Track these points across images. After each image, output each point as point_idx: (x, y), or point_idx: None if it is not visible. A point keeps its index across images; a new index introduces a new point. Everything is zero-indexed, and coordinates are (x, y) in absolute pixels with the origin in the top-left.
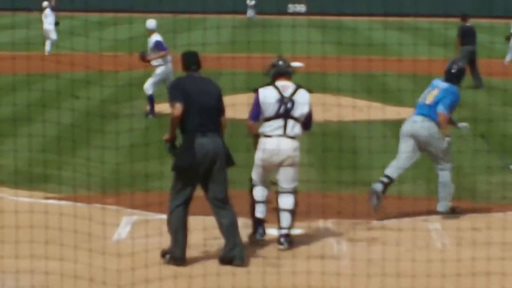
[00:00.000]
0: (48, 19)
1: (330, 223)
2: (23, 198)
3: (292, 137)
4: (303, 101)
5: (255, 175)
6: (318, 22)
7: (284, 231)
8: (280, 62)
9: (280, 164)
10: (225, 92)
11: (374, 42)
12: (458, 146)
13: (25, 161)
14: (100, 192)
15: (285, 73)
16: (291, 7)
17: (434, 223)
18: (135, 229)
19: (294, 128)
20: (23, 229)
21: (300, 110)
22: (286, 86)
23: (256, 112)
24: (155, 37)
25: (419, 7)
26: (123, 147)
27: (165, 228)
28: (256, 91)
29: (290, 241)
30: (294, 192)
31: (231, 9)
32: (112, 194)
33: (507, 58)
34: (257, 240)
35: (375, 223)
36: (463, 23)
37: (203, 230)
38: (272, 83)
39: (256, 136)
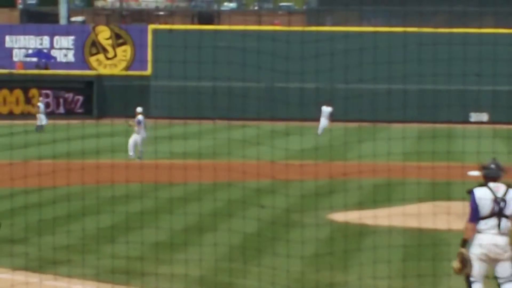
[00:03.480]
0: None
1: None
2: None
3: (505, 234)
4: None
5: (472, 271)
6: (503, 131)
7: None
8: (492, 166)
9: (496, 259)
10: (410, 201)
11: None
12: None
13: (210, 270)
14: None
15: (497, 176)
16: (473, 116)
17: None
18: None
19: (506, 225)
20: None
21: (510, 208)
22: (498, 186)
23: (476, 213)
24: None
25: None
26: (307, 256)
27: None
28: (470, 192)
29: None
30: None
31: (415, 118)
32: None
33: None
34: None
35: None
36: None
37: None
38: (484, 184)
39: (466, 240)
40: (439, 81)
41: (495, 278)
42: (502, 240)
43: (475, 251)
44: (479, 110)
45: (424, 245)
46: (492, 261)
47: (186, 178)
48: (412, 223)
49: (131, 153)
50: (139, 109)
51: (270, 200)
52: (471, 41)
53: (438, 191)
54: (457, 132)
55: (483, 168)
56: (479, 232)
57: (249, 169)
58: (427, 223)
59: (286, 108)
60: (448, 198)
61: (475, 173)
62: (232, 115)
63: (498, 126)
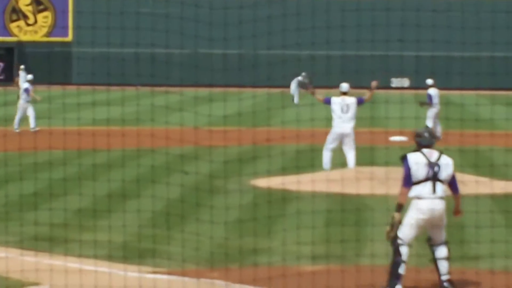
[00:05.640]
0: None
1: None
2: (131, 273)
3: (442, 198)
4: (447, 164)
5: (404, 234)
6: (424, 97)
7: (446, 277)
8: (426, 134)
9: (433, 223)
10: (333, 166)
11: (481, 117)
12: None
13: (133, 236)
14: (208, 266)
15: (430, 144)
16: (395, 81)
17: None
18: None
19: (442, 189)
20: None
21: (446, 172)
22: (431, 152)
23: (409, 178)
24: None
25: None
26: (231, 222)
27: None
28: (404, 157)
29: (453, 284)
30: (446, 242)
31: (338, 84)
32: (220, 269)
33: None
34: None
35: None
36: None
37: None
38: (418, 150)
39: (401, 205)
40: (362, 47)
41: (428, 240)
42: (440, 204)
43: (413, 215)
44: (400, 75)
45: (347, 211)
46: (429, 225)
47: (110, 145)
48: (335, 188)
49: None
50: (29, 77)
51: (194, 166)
52: (394, 6)
53: (361, 157)
54: (380, 97)
55: (416, 135)
56: (417, 197)
57: (173, 135)
58: (350, 189)
59: (209, 74)
60: (371, 163)
61: (397, 138)
62: (155, 81)
63: (420, 92)
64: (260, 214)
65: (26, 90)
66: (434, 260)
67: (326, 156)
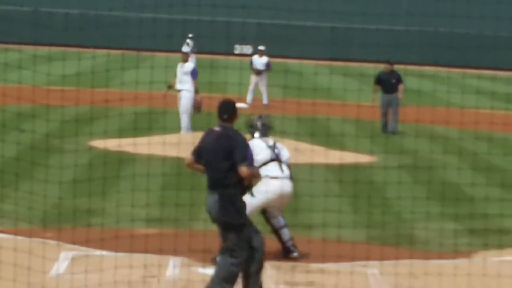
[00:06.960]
0: None
1: (269, 266)
2: None
3: (290, 178)
4: (284, 148)
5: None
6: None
7: (291, 242)
8: (258, 124)
9: (280, 203)
10: (170, 130)
11: (319, 87)
12: (398, 192)
13: None
14: (41, 226)
15: (265, 135)
16: (238, 48)
17: (372, 268)
18: (74, 264)
19: (287, 169)
20: None
21: (284, 155)
22: (267, 139)
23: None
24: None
25: (366, 53)
26: (66, 182)
27: (104, 264)
28: None
29: (296, 247)
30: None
31: (179, 48)
32: (53, 229)
33: (264, 101)
34: None
35: (313, 266)
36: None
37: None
38: (253, 137)
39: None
40: (204, 12)
41: (263, 213)
42: (289, 185)
43: (263, 196)
44: (243, 42)
45: (183, 175)
46: (275, 205)
47: None
48: (172, 152)
49: None
50: None
51: (31, 124)
52: None
53: (198, 121)
54: (220, 63)
55: (250, 126)
56: (269, 177)
57: (10, 93)
58: (187, 153)
59: (50, 33)
60: (208, 128)
61: (240, 105)
62: (7, 39)
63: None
64: (96, 175)
65: None
66: (275, 231)
67: (189, 121)
